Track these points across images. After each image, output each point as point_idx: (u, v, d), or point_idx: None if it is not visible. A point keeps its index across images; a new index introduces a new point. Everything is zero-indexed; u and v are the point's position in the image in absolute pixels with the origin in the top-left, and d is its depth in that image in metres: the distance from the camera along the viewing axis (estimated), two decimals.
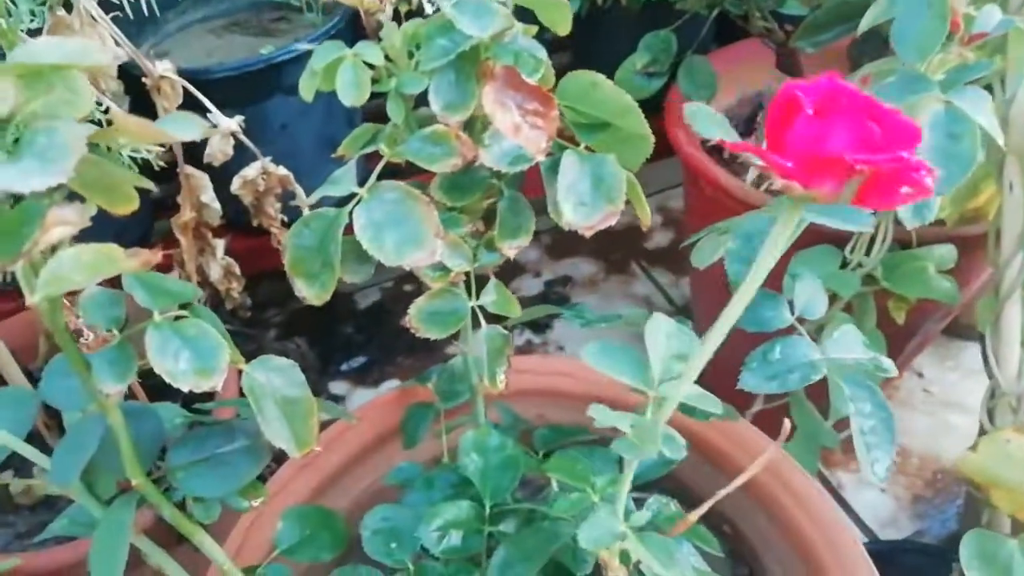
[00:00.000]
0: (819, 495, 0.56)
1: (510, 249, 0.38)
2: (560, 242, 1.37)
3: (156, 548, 0.40)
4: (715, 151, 0.91)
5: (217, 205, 0.77)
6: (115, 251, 0.28)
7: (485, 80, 0.33)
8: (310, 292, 0.34)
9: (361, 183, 0.34)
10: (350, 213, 0.33)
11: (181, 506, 0.39)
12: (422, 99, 0.36)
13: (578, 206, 0.36)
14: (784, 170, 0.26)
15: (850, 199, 0.28)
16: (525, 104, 0.33)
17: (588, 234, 0.36)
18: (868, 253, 0.73)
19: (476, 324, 0.40)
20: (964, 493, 1.01)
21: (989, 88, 0.52)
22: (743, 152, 0.28)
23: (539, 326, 1.24)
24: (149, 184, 0.31)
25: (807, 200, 0.28)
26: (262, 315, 1.22)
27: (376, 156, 0.36)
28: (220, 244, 0.80)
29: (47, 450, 0.77)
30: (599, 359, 0.36)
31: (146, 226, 1.07)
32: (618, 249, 1.35)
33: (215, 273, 0.79)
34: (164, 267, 0.63)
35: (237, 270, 0.82)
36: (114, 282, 0.32)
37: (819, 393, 0.66)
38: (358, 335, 1.24)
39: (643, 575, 0.36)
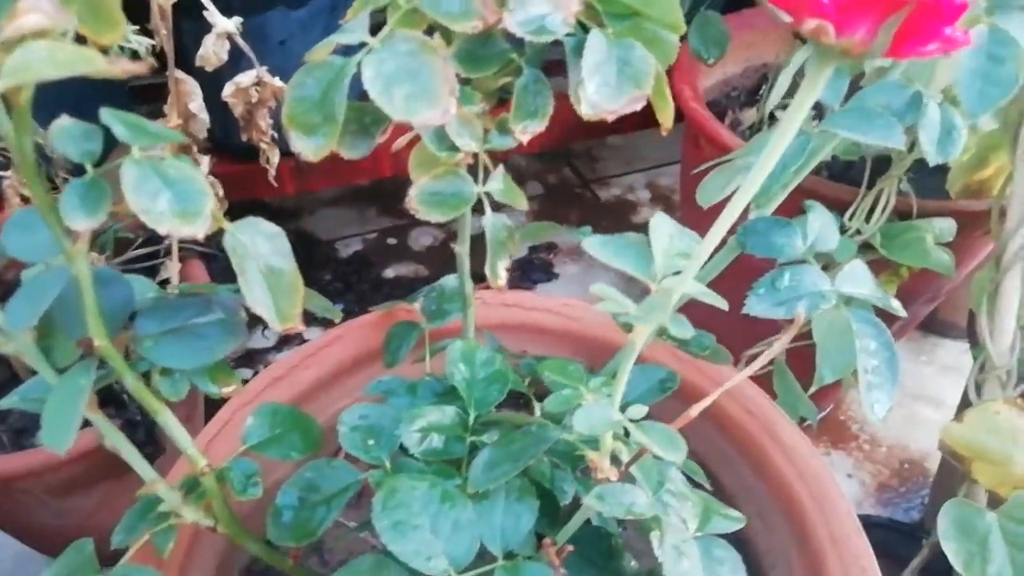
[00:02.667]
0: (807, 447, 0.54)
1: (523, 132, 0.35)
2: (547, 208, 1.35)
3: (111, 427, 0.37)
4: (718, 113, 0.89)
5: (205, 115, 0.73)
6: (94, 53, 0.25)
7: None
8: (307, 146, 0.32)
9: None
10: (358, 64, 0.31)
11: (146, 383, 0.36)
12: None
13: (602, 86, 0.34)
14: (818, 7, 0.24)
15: (881, 51, 0.26)
16: None
17: (611, 118, 0.34)
18: (868, 220, 0.72)
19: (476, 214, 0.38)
20: (931, 484, 1.01)
21: None
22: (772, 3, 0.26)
23: (529, 282, 1.22)
24: (138, 68, 0.28)
25: (839, 52, 0.26)
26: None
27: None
28: (205, 160, 0.76)
29: (7, 365, 0.73)
30: (601, 249, 0.34)
31: None
32: (605, 219, 1.33)
33: None
34: None
35: (220, 191, 0.78)
36: None
37: (802, 366, 0.65)
38: (336, 283, 1.21)
39: (633, 479, 0.34)
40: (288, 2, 0.78)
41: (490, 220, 0.37)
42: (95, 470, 0.68)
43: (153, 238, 0.80)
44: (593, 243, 0.35)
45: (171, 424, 0.37)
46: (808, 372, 0.51)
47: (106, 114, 0.30)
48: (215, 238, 0.84)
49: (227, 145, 0.86)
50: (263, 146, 0.72)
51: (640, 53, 0.35)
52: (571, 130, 1.11)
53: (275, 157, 0.72)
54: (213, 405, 0.57)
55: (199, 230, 0.30)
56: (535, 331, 0.62)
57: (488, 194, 0.37)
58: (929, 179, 0.88)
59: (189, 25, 0.75)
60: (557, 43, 0.42)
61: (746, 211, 0.50)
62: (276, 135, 0.72)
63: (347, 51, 0.33)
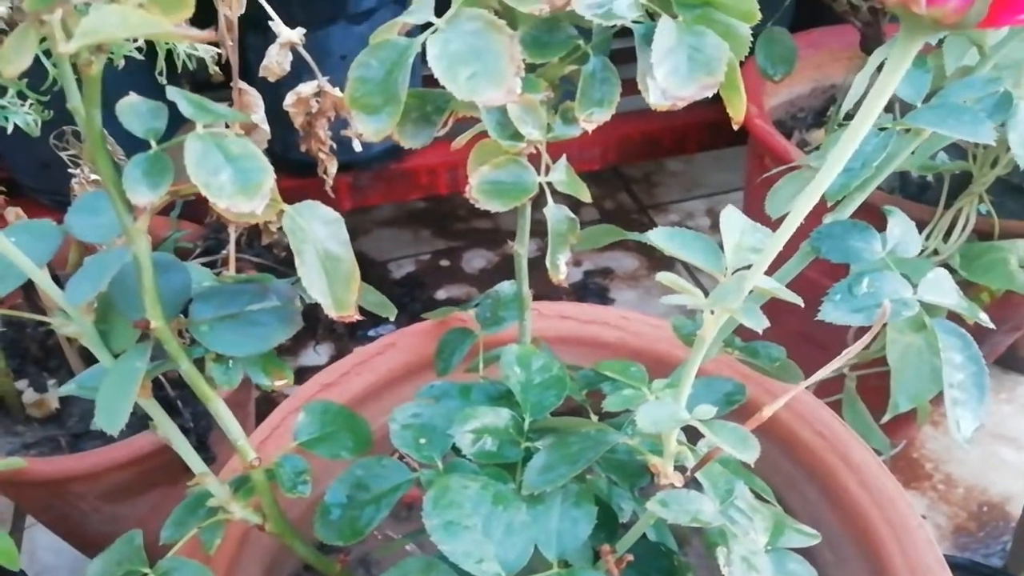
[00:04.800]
0: (879, 469, 0.51)
1: (589, 121, 0.34)
2: None
3: (164, 415, 0.37)
4: (784, 134, 0.87)
5: (267, 127, 0.74)
6: (163, 18, 0.25)
7: None
8: (370, 127, 0.31)
9: None
10: (423, 44, 0.30)
11: (200, 369, 0.36)
12: None
13: (672, 73, 0.32)
14: None
15: (977, 20, 0.24)
16: None
17: (680, 105, 0.33)
18: (946, 241, 0.69)
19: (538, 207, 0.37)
20: (1014, 531, 0.95)
21: None
22: None
23: (603, 297, 1.21)
24: (206, 36, 0.28)
25: (929, 23, 0.24)
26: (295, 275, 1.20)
27: None
28: None
29: (67, 366, 0.74)
30: (670, 241, 0.32)
31: None
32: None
33: None
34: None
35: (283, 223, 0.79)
36: None
37: (874, 395, 0.62)
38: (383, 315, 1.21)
39: (699, 485, 0.32)
40: (349, 17, 0.79)
41: (552, 211, 0.36)
42: (148, 476, 0.68)
43: (212, 248, 0.82)
44: (660, 235, 0.34)
45: (222, 413, 0.36)
46: (880, 405, 0.48)
47: (172, 91, 0.30)
48: (272, 248, 0.85)
49: (285, 160, 0.88)
50: (321, 156, 0.73)
51: (712, 40, 0.33)
52: (630, 148, 1.10)
53: (333, 168, 0.72)
54: (262, 417, 0.56)
55: (258, 205, 0.29)
56: (592, 345, 0.60)
57: (550, 185, 0.35)
58: (1011, 202, 0.84)
59: (254, 39, 0.77)
60: (624, 34, 0.41)
61: (820, 218, 0.48)
62: (335, 146, 0.72)
63: (411, 35, 0.33)
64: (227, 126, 0.34)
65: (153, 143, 0.30)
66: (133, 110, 0.30)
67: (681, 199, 1.39)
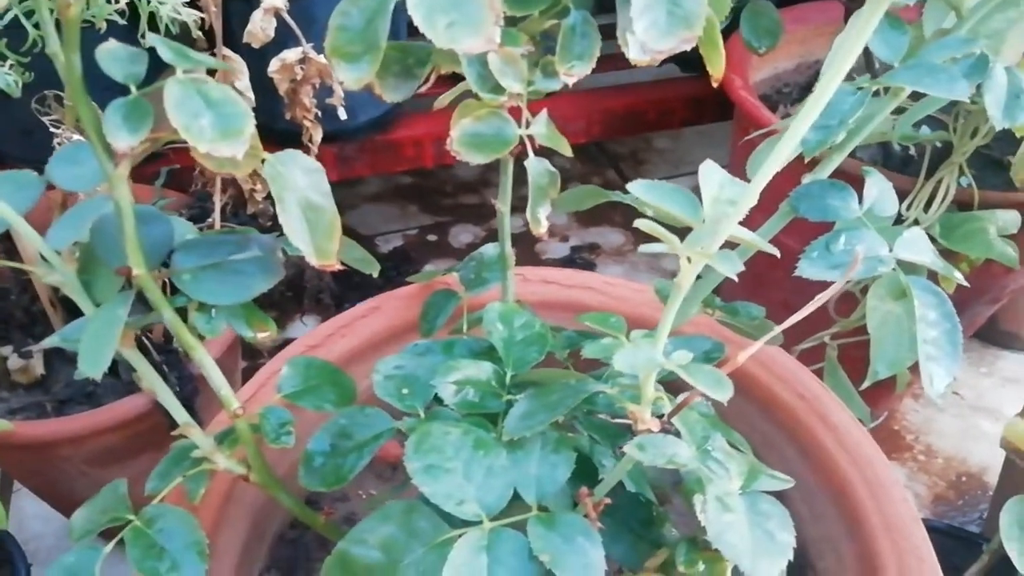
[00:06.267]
0: (857, 430, 0.51)
1: (569, 75, 0.35)
2: (589, 210, 1.34)
3: (146, 365, 0.37)
4: (769, 108, 0.87)
5: (251, 95, 0.74)
6: None
7: None
8: (350, 75, 0.31)
9: None
10: None
11: (183, 319, 0.36)
12: None
13: (651, 27, 0.33)
14: None
15: None
16: None
17: (659, 59, 0.33)
18: (927, 211, 0.70)
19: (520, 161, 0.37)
20: (991, 499, 0.96)
21: None
22: None
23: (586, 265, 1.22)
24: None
25: None
26: (283, 233, 1.20)
27: None
28: None
29: (51, 332, 0.74)
30: (648, 191, 0.33)
31: None
32: None
33: None
34: (189, 160, 0.60)
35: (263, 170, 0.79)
36: None
37: (855, 366, 0.62)
38: (376, 277, 1.21)
39: (677, 432, 0.33)
40: None
41: (533, 163, 0.36)
42: (134, 440, 0.68)
43: (196, 217, 0.81)
44: (640, 187, 0.34)
45: (206, 362, 0.36)
46: (861, 375, 0.49)
47: (152, 38, 0.30)
48: (256, 217, 0.84)
49: (270, 129, 0.87)
50: (307, 124, 0.73)
51: None
52: (614, 123, 1.10)
53: (318, 136, 0.72)
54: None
55: (239, 150, 0.29)
56: (575, 309, 0.60)
57: (531, 137, 0.36)
58: (991, 175, 0.84)
59: (238, 5, 0.76)
60: (608, 9, 0.41)
61: (799, 178, 0.49)
62: (320, 114, 0.72)
63: None
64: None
65: (133, 88, 0.31)
66: (112, 55, 0.31)
67: (668, 176, 1.40)
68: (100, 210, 0.32)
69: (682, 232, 0.33)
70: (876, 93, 0.43)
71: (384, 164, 1.01)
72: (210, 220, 0.79)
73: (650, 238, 0.31)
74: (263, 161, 0.33)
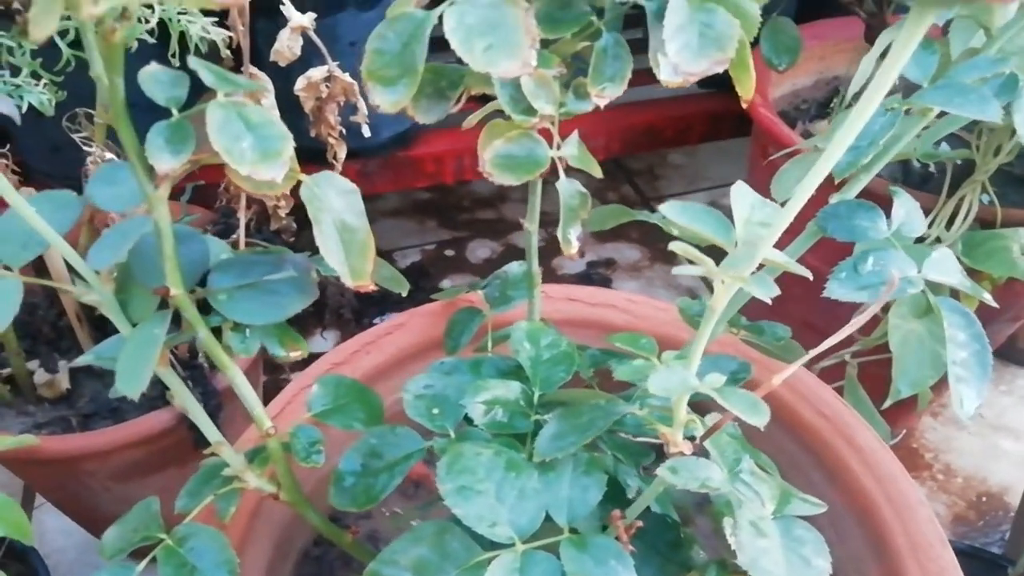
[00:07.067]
0: (881, 448, 0.51)
1: (601, 96, 0.35)
2: None
3: (179, 383, 0.37)
4: (788, 123, 0.87)
5: (276, 113, 0.75)
6: None
7: None
8: (387, 98, 0.32)
9: None
10: (439, 16, 0.31)
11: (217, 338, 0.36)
12: None
13: (683, 48, 0.33)
14: None
15: None
16: None
17: (691, 80, 0.33)
18: (949, 228, 0.69)
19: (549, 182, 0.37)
20: (1013, 521, 0.95)
21: None
22: None
23: (606, 288, 1.21)
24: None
25: None
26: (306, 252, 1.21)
27: None
28: None
29: (78, 347, 0.75)
30: (680, 214, 0.33)
31: None
32: (665, 239, 1.31)
33: None
34: (214, 176, 0.61)
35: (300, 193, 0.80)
36: None
37: (875, 383, 0.62)
38: (394, 291, 1.22)
39: (707, 454, 0.33)
40: (359, 3, 0.80)
41: (564, 185, 0.36)
42: (158, 456, 0.68)
43: (221, 233, 0.82)
44: (671, 208, 0.34)
45: (239, 382, 0.37)
46: (881, 393, 0.48)
47: (194, 61, 0.31)
48: (280, 233, 0.85)
49: (297, 148, 0.88)
50: (331, 141, 0.73)
51: (723, 17, 0.34)
52: (633, 139, 1.11)
53: (342, 153, 0.73)
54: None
55: (279, 173, 0.30)
56: (599, 327, 0.61)
57: (562, 160, 0.36)
58: (1013, 192, 0.84)
59: (265, 25, 0.77)
60: (633, 25, 0.42)
61: (825, 200, 0.49)
62: (344, 131, 0.73)
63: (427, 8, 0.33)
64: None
65: (174, 111, 0.31)
66: (154, 79, 0.31)
67: (684, 192, 1.40)
68: (139, 231, 0.33)
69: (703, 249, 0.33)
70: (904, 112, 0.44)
71: (405, 180, 1.01)
72: (235, 236, 0.80)
73: (672, 257, 0.31)
74: (299, 183, 0.33)
